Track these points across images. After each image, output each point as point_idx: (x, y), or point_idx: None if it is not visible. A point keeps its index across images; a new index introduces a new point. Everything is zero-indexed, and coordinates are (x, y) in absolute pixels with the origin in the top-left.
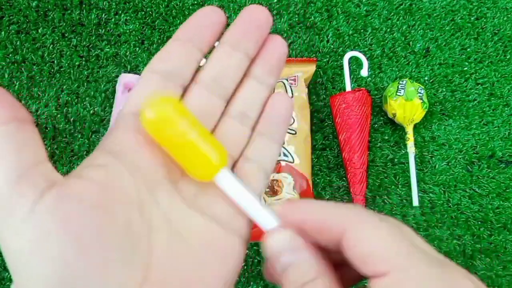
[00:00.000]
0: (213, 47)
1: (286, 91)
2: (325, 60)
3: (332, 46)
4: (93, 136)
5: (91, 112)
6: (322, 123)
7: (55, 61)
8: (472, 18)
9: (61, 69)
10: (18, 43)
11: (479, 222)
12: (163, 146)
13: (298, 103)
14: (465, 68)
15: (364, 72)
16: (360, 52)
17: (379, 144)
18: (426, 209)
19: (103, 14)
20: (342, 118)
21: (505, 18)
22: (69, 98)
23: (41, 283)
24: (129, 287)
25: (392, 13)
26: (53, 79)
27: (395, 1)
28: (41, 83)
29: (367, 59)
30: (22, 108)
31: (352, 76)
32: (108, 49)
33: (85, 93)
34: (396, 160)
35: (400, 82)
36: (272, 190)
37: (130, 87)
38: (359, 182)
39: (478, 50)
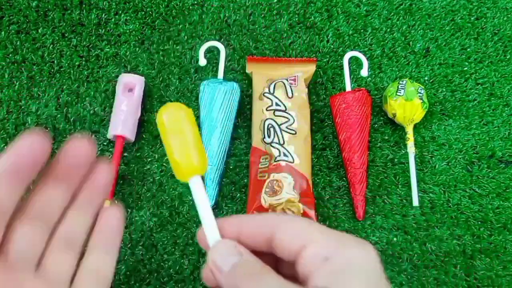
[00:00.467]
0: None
1: (286, 91)
2: (325, 60)
3: (332, 46)
4: (93, 136)
5: (91, 112)
6: (322, 123)
7: (55, 61)
8: (472, 18)
9: (61, 69)
10: (18, 43)
11: (479, 222)
12: (165, 143)
13: (298, 103)
14: (465, 68)
15: (364, 72)
16: (360, 52)
17: (379, 144)
18: (426, 209)
19: (103, 14)
20: (342, 118)
21: (505, 18)
22: (69, 98)
23: None
24: None
25: (392, 13)
26: (53, 79)
27: (395, 1)
28: (41, 83)
29: (367, 59)
30: None
31: (352, 76)
32: (108, 49)
33: (85, 93)
34: (396, 160)
35: (400, 82)
36: (272, 190)
37: (130, 87)
38: (359, 182)
39: (478, 50)
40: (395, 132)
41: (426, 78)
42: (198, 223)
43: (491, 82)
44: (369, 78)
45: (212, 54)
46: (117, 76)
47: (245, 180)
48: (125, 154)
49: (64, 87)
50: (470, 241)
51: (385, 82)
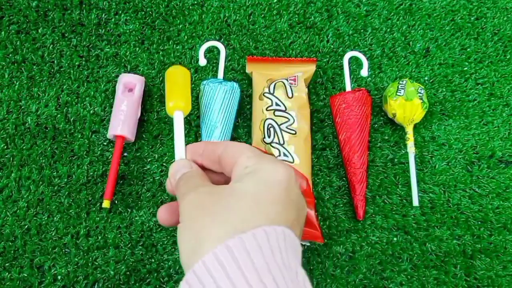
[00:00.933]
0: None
1: (286, 91)
2: (325, 60)
3: (332, 46)
4: (93, 136)
5: (91, 112)
6: (322, 123)
7: (55, 61)
8: (472, 18)
9: (61, 69)
10: (18, 43)
11: (479, 222)
12: (169, 85)
13: (298, 103)
14: (465, 68)
15: (364, 72)
16: (360, 52)
17: (379, 144)
18: (426, 209)
19: (103, 14)
20: (342, 118)
21: (505, 18)
22: (69, 98)
23: None
24: None
25: (392, 13)
26: (53, 79)
27: (395, 1)
28: (41, 83)
29: (367, 59)
30: None
31: (352, 76)
32: (108, 49)
33: (85, 93)
34: (396, 160)
35: (400, 82)
36: None
37: (130, 87)
38: (359, 182)
39: (478, 50)
40: (395, 132)
41: (426, 78)
42: None
43: (491, 82)
44: (369, 78)
45: (212, 54)
46: (117, 76)
47: None
48: (125, 154)
49: (64, 87)
50: (470, 241)
51: (385, 82)
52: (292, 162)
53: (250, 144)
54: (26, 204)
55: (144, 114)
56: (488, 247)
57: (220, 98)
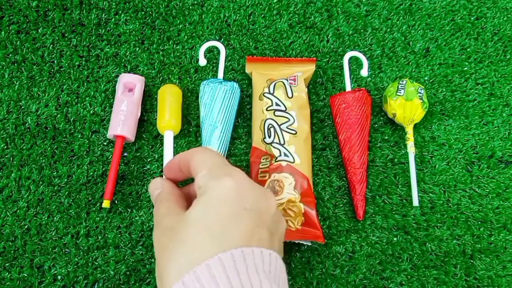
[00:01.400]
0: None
1: (286, 91)
2: (325, 60)
3: (332, 46)
4: (93, 136)
5: (91, 112)
6: (322, 123)
7: (55, 61)
8: (472, 18)
9: (61, 69)
10: (18, 43)
11: (479, 222)
12: (160, 105)
13: (298, 103)
14: (465, 68)
15: (364, 72)
16: (360, 52)
17: (379, 144)
18: (426, 209)
19: (103, 14)
20: (342, 118)
21: (505, 18)
22: (69, 98)
23: None
24: None
25: (392, 13)
26: (53, 79)
27: (395, 1)
28: (41, 83)
29: (367, 59)
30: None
31: (352, 76)
32: (108, 49)
33: (85, 93)
34: (396, 160)
35: (400, 82)
36: (273, 190)
37: (130, 87)
38: (359, 182)
39: (478, 50)
40: (395, 132)
41: (426, 78)
42: None
43: (491, 82)
44: (369, 78)
45: (212, 54)
46: (117, 76)
47: None
48: (125, 154)
49: (64, 87)
50: (470, 241)
51: (385, 82)
52: (293, 162)
53: (251, 144)
54: (26, 204)
55: (144, 114)
56: (488, 247)
57: (220, 98)
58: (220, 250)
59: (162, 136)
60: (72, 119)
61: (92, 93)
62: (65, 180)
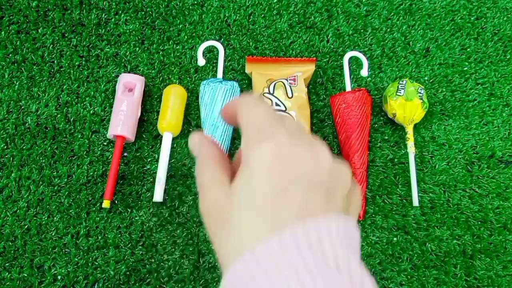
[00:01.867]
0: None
1: (286, 91)
2: (325, 60)
3: (332, 46)
4: (93, 136)
5: (91, 112)
6: (322, 123)
7: (55, 61)
8: (472, 18)
9: (61, 69)
10: (18, 43)
11: (479, 222)
12: (164, 105)
13: (298, 103)
14: (465, 68)
15: (364, 72)
16: (360, 52)
17: (379, 144)
18: (426, 209)
19: (103, 14)
20: (342, 118)
21: (505, 18)
22: (69, 98)
23: None
24: None
25: (392, 13)
26: (53, 79)
27: (395, 1)
28: (41, 83)
29: (367, 59)
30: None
31: (352, 76)
32: (108, 49)
33: (85, 93)
34: (396, 160)
35: (400, 82)
36: None
37: (130, 87)
38: (359, 182)
39: (478, 50)
40: (395, 132)
41: (426, 78)
42: (197, 223)
43: (491, 82)
44: (369, 78)
45: (212, 54)
46: (117, 76)
47: None
48: (125, 154)
49: (64, 87)
50: (470, 241)
51: (385, 82)
52: None
53: None
54: (26, 204)
55: (144, 114)
56: (488, 247)
57: (221, 97)
58: (271, 233)
59: (163, 136)
60: (72, 119)
61: (92, 93)
62: (65, 180)
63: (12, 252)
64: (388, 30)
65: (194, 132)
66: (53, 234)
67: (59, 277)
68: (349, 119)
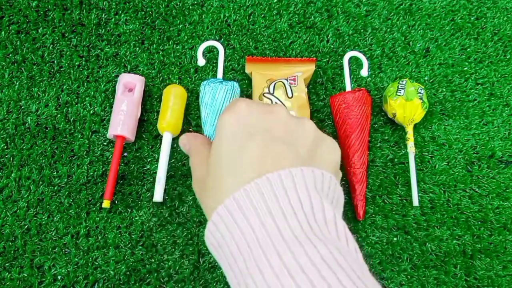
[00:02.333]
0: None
1: (286, 91)
2: (325, 60)
3: (332, 46)
4: (93, 136)
5: (91, 112)
6: (322, 123)
7: (55, 61)
8: (472, 18)
9: (61, 69)
10: (18, 43)
11: (479, 222)
12: (164, 105)
13: (298, 103)
14: (465, 68)
15: (364, 72)
16: (360, 52)
17: (379, 144)
18: (426, 209)
19: (103, 14)
20: (342, 118)
21: (505, 18)
22: (69, 98)
23: None
24: None
25: (392, 13)
26: (53, 79)
27: (395, 1)
28: (41, 83)
29: (367, 59)
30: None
31: (352, 76)
32: (108, 49)
33: (85, 93)
34: (396, 160)
35: (400, 82)
36: None
37: (130, 87)
38: (359, 182)
39: (478, 50)
40: (395, 132)
41: (426, 78)
42: (197, 223)
43: (491, 82)
44: (369, 78)
45: (212, 54)
46: (117, 76)
47: None
48: (125, 154)
49: (64, 87)
50: (470, 241)
51: (385, 82)
52: None
53: None
54: (26, 204)
55: (144, 114)
56: (488, 247)
57: (221, 97)
58: (240, 186)
59: (163, 136)
60: (72, 119)
61: (92, 93)
62: (65, 180)
63: (12, 252)
64: (388, 30)
65: (183, 135)
66: (53, 234)
67: (59, 277)
68: (349, 119)
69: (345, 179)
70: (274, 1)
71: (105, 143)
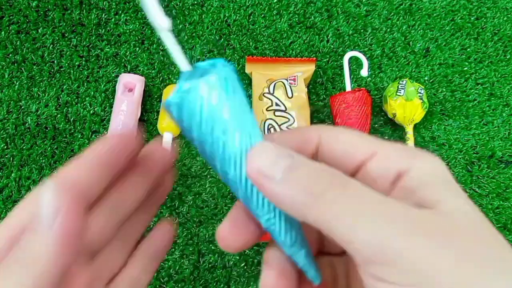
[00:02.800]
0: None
1: (286, 91)
2: (325, 60)
3: (332, 46)
4: (93, 136)
5: (91, 112)
6: (322, 123)
7: (55, 61)
8: (472, 18)
9: (61, 69)
10: (18, 43)
11: None
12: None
13: (298, 103)
14: (465, 68)
15: (364, 72)
16: (360, 52)
17: None
18: None
19: (103, 14)
20: (342, 118)
21: (505, 18)
22: (69, 98)
23: None
24: None
25: (392, 13)
26: (53, 79)
27: (395, 1)
28: (41, 83)
29: (367, 59)
30: None
31: (352, 76)
32: (108, 49)
33: (85, 93)
34: None
35: (400, 82)
36: None
37: (130, 87)
38: None
39: (478, 50)
40: (395, 132)
41: (426, 78)
42: (197, 223)
43: (491, 82)
44: (369, 78)
45: (212, 54)
46: (117, 76)
47: None
48: None
49: (64, 87)
50: None
51: (385, 82)
52: None
53: None
54: None
55: (144, 114)
56: None
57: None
58: None
59: (162, 136)
60: (72, 119)
61: (92, 93)
62: None
63: None
64: (388, 30)
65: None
66: None
67: None
68: (349, 119)
69: None
70: (274, 1)
71: None
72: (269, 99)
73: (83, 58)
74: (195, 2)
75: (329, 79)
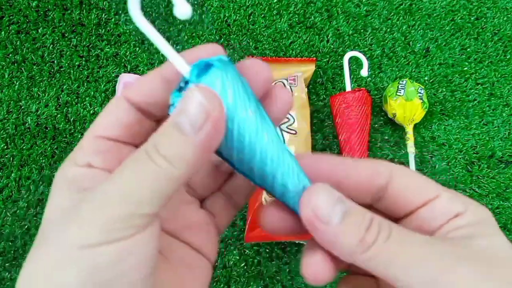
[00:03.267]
0: None
1: None
2: (325, 60)
3: (332, 46)
4: None
5: (91, 112)
6: (322, 123)
7: (55, 61)
8: (472, 18)
9: (61, 69)
10: (18, 43)
11: None
12: None
13: (298, 103)
14: (465, 68)
15: (364, 72)
16: (360, 52)
17: (379, 144)
18: None
19: (103, 14)
20: (342, 118)
21: (505, 18)
22: (69, 98)
23: None
24: None
25: (392, 13)
26: (53, 79)
27: (395, 1)
28: (41, 83)
29: (367, 59)
30: None
31: (352, 76)
32: (108, 49)
33: (85, 93)
34: (396, 160)
35: (400, 82)
36: None
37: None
38: None
39: (478, 50)
40: (395, 132)
41: (426, 78)
42: None
43: (491, 82)
44: (369, 78)
45: None
46: (117, 76)
47: None
48: None
49: (64, 87)
50: None
51: (385, 82)
52: None
53: None
54: (26, 204)
55: None
56: None
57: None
58: None
59: None
60: (72, 119)
61: (92, 93)
62: None
63: (12, 252)
64: (388, 30)
65: None
66: None
67: None
68: (349, 119)
69: None
70: (274, 1)
71: None
72: None
73: (83, 58)
74: (195, 2)
75: (329, 79)
